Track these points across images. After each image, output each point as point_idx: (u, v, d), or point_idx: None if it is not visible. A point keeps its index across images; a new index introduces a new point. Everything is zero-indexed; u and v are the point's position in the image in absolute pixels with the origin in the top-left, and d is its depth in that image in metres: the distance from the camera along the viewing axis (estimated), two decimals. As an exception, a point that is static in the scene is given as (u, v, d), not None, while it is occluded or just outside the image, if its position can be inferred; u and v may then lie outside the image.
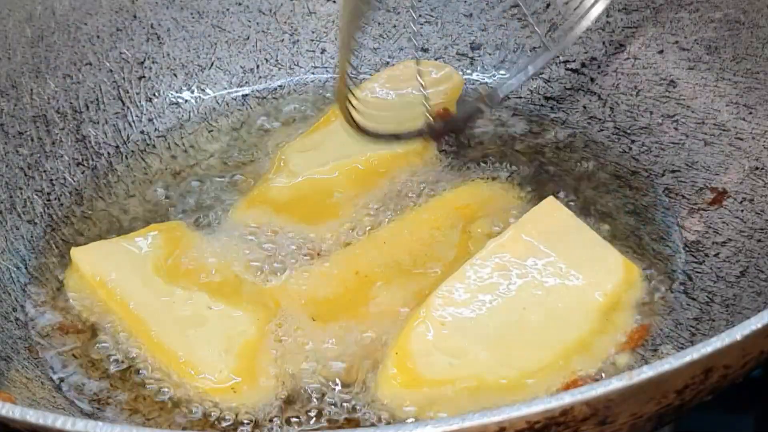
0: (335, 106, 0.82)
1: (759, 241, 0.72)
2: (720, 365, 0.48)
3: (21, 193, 0.81)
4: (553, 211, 0.75)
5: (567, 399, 0.46)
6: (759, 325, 0.48)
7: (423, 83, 0.79)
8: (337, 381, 0.68)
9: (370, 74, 0.91)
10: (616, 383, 0.46)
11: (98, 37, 0.89)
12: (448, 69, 0.89)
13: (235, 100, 0.92)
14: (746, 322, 0.48)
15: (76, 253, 0.75)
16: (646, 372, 0.46)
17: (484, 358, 0.68)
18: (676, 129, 0.82)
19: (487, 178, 0.82)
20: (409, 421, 0.65)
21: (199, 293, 0.72)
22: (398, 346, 0.69)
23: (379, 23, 0.94)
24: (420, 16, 0.94)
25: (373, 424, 0.65)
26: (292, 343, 0.70)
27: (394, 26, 0.94)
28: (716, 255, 0.73)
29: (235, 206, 0.81)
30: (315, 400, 0.67)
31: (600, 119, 0.86)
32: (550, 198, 0.76)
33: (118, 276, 0.74)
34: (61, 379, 0.70)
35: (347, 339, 0.71)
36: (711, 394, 0.52)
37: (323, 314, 0.72)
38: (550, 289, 0.71)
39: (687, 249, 0.75)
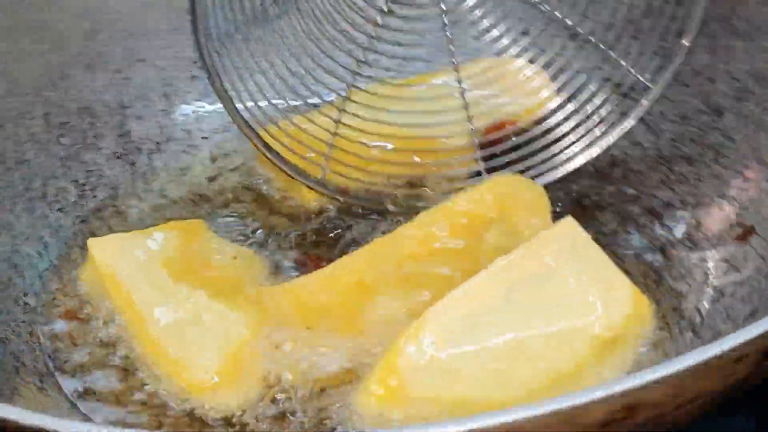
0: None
1: (776, 281, 0.68)
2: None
3: (55, 182, 0.83)
4: (570, 232, 0.73)
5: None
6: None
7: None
8: (320, 392, 0.68)
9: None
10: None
11: (154, 34, 0.90)
12: (545, 80, 0.85)
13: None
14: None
15: (92, 243, 0.76)
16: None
17: (474, 380, 0.66)
18: (716, 161, 0.79)
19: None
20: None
21: (199, 292, 0.72)
22: (385, 360, 0.67)
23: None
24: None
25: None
26: (282, 350, 0.69)
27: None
28: (732, 294, 0.70)
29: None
30: (292, 409, 0.67)
31: (643, 146, 0.83)
32: (569, 218, 0.73)
33: (128, 269, 0.74)
34: (56, 366, 0.71)
35: (338, 350, 0.70)
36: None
37: (319, 322, 0.71)
38: (552, 315, 0.68)
39: (706, 286, 0.72)
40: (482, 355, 0.67)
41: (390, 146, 0.84)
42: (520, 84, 0.85)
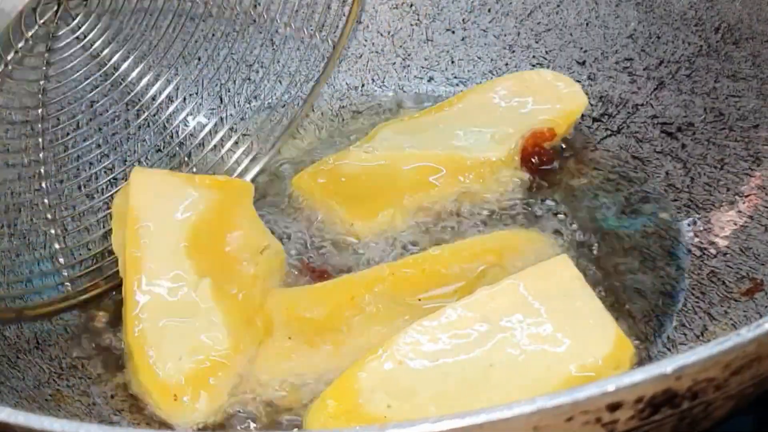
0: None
1: None
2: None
3: (89, 168, 0.84)
4: (561, 270, 0.70)
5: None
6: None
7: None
8: (276, 405, 0.67)
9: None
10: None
11: (213, 35, 0.91)
12: (576, 87, 0.85)
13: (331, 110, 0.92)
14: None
15: (136, 172, 0.75)
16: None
17: (427, 408, 0.64)
18: (742, 211, 0.74)
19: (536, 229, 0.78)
20: None
21: (206, 281, 0.70)
22: (345, 375, 0.66)
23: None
24: (534, 57, 0.91)
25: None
26: (257, 362, 0.69)
27: (506, 64, 0.91)
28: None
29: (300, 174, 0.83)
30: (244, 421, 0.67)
31: (678, 188, 0.79)
32: (563, 256, 0.71)
33: (156, 212, 0.73)
34: (44, 339, 0.72)
35: (310, 365, 0.69)
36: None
37: (301, 334, 0.71)
38: (526, 351, 0.66)
39: (700, 340, 0.67)
40: (442, 384, 0.65)
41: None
42: (551, 92, 0.83)
